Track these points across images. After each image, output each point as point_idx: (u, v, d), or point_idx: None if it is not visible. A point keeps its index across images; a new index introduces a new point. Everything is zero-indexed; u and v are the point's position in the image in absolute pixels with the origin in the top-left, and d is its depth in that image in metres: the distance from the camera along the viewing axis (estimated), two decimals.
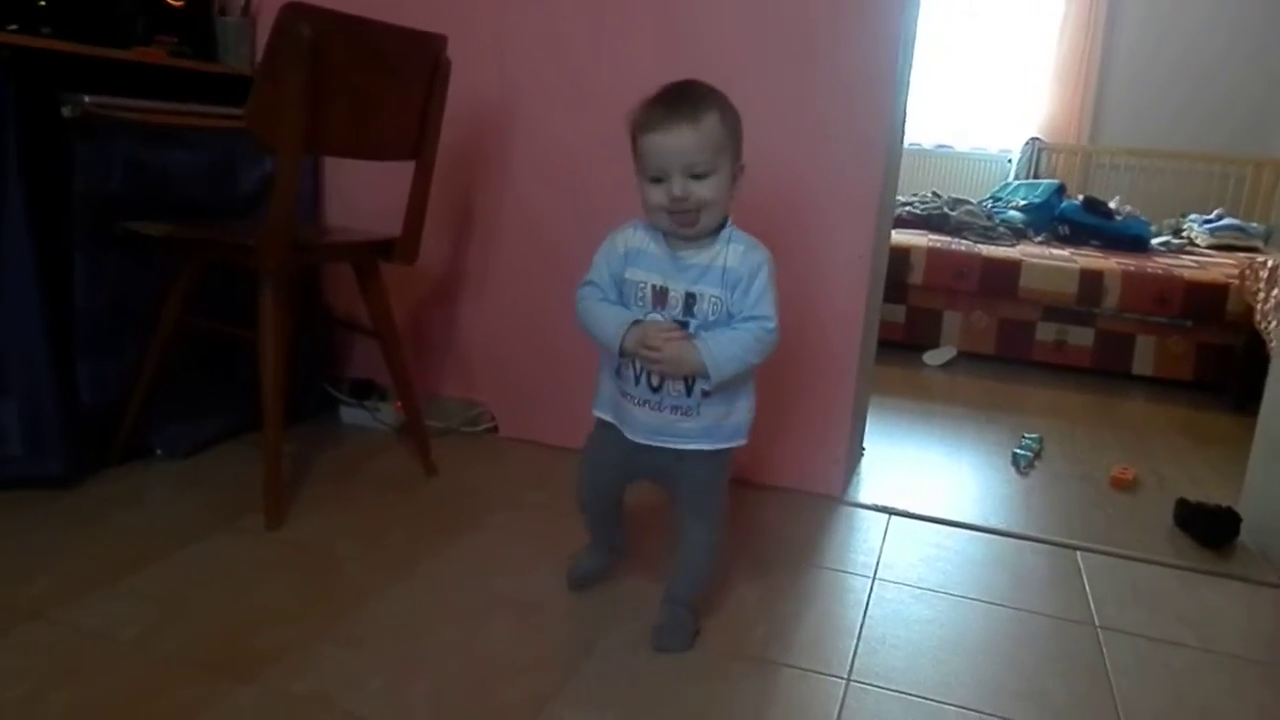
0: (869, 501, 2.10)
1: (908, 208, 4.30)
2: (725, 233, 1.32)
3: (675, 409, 1.34)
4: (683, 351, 1.27)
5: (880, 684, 1.39)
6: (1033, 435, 2.64)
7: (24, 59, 1.66)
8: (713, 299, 1.30)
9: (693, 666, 1.39)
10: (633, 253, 1.34)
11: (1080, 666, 1.48)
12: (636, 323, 1.30)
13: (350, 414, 2.32)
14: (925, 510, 2.07)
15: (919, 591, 1.71)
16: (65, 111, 1.71)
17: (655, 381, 1.33)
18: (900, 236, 3.83)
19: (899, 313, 3.75)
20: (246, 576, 1.55)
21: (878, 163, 2.00)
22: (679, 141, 1.24)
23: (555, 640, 1.45)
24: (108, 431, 1.90)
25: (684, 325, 1.31)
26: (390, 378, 2.04)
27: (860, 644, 1.50)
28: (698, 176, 1.25)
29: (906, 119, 2.25)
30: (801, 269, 2.04)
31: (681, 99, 1.26)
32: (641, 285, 1.32)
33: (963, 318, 3.70)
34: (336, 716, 1.20)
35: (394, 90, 1.75)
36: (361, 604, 1.49)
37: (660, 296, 1.32)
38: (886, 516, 2.04)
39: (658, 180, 1.27)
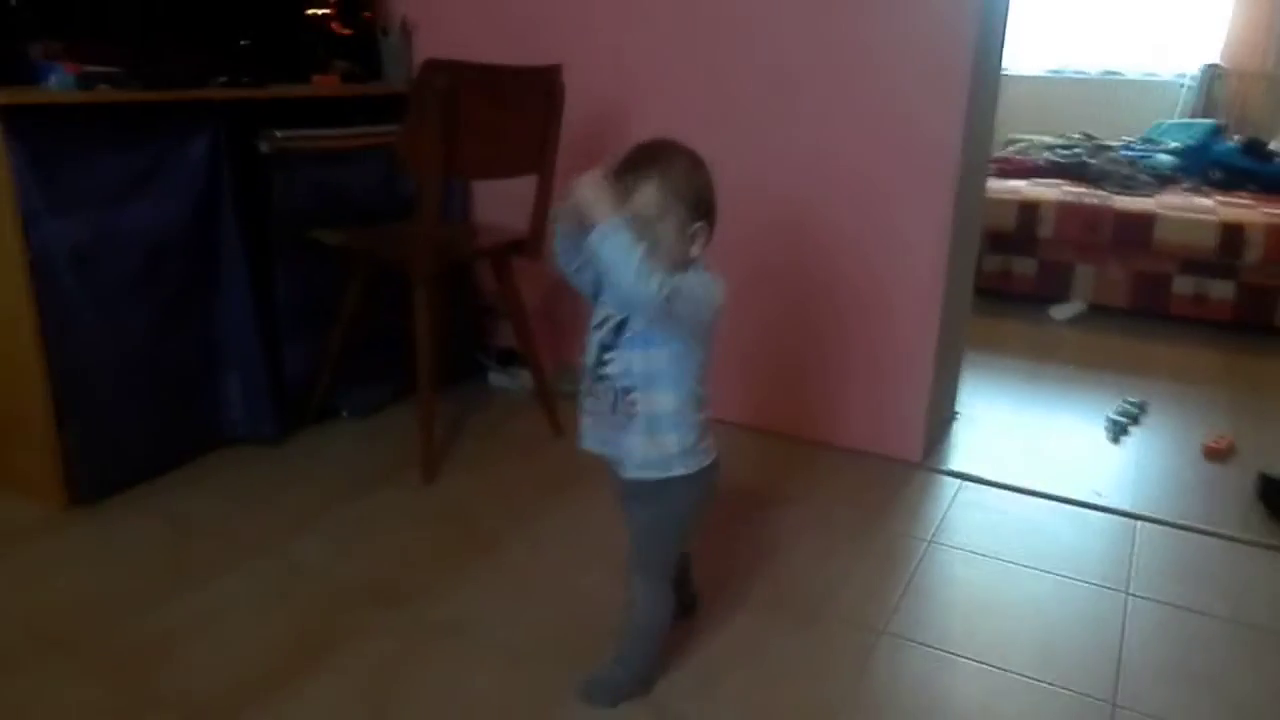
0: (945, 467, 2.30)
1: (1048, 154, 4.25)
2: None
3: (609, 424, 1.36)
4: (595, 192, 1.23)
5: (910, 638, 1.64)
6: (1134, 400, 2.72)
7: (230, 108, 2.09)
8: (639, 326, 1.31)
9: (734, 610, 1.69)
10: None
11: (1097, 629, 1.68)
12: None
13: (496, 378, 2.73)
14: (999, 477, 2.25)
15: (969, 555, 1.93)
16: (263, 148, 2.13)
17: (592, 402, 1.38)
18: (1031, 189, 3.84)
19: (1029, 265, 3.79)
20: (405, 524, 1.97)
21: (955, 94, 2.03)
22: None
23: None
24: (304, 398, 2.37)
25: (609, 348, 1.33)
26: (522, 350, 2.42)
27: (901, 602, 1.75)
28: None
29: (1004, 42, 2.26)
30: (870, 229, 2.21)
31: (625, 170, 1.28)
32: (602, 308, 1.36)
33: (1096, 271, 3.69)
34: (464, 640, 1.59)
35: (516, 120, 2.07)
36: (491, 550, 1.88)
37: (603, 321, 1.35)
38: (959, 482, 2.24)
39: None
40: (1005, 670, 1.56)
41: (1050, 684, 1.52)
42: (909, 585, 1.81)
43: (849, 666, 1.56)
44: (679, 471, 1.35)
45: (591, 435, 1.41)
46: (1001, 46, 2.33)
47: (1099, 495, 2.17)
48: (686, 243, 1.31)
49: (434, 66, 1.88)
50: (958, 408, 2.65)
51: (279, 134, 2.15)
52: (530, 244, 2.26)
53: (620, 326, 1.33)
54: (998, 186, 3.82)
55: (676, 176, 1.29)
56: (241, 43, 2.43)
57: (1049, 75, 5.60)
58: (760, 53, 2.27)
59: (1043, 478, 2.25)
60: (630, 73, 2.43)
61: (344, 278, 2.28)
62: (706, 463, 1.39)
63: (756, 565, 1.85)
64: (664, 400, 1.33)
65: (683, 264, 1.31)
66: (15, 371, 1.87)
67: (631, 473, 1.36)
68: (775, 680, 1.52)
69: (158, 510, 1.98)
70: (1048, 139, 4.64)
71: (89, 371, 1.91)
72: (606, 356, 1.34)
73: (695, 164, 1.33)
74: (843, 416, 2.38)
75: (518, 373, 2.68)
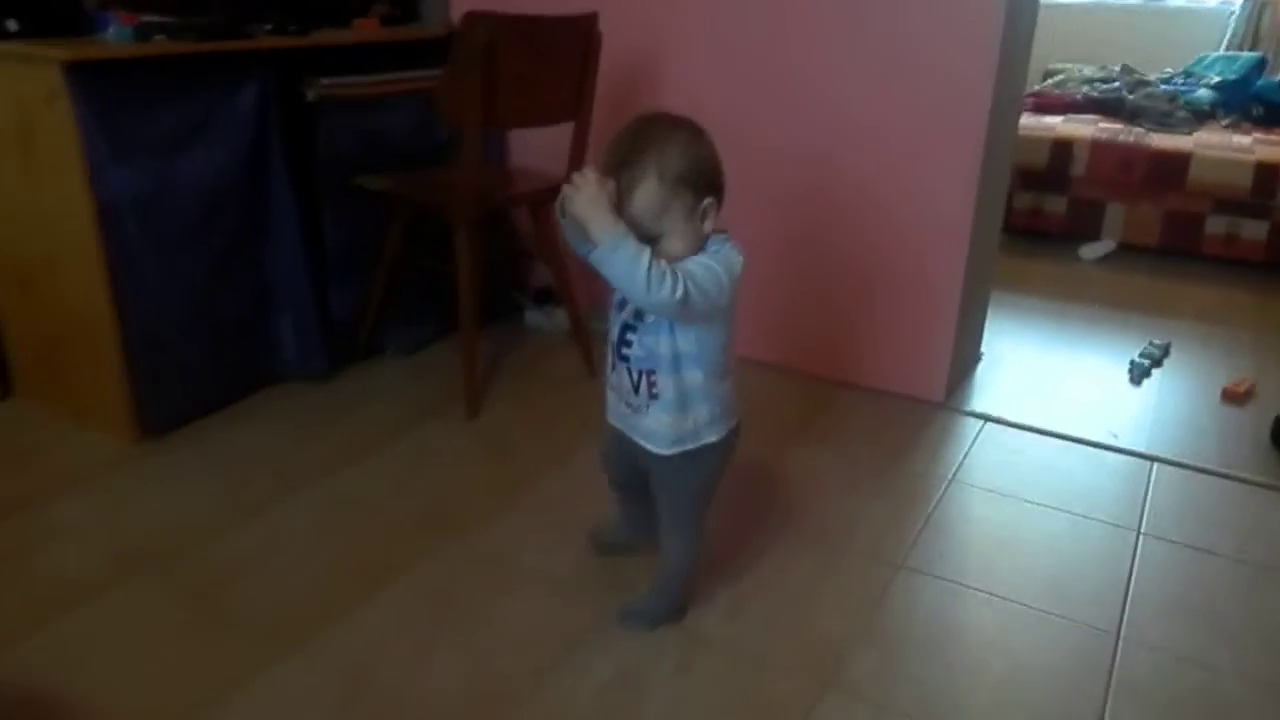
0: (967, 408, 2.38)
1: (1086, 88, 4.20)
2: (696, 256, 1.30)
3: (628, 404, 1.41)
4: (590, 208, 1.21)
5: (927, 571, 1.75)
6: (1160, 342, 2.76)
7: (277, 57, 2.15)
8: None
9: (760, 545, 1.80)
10: None
11: (1108, 566, 1.77)
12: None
13: (533, 317, 2.82)
14: (1020, 418, 2.33)
15: (987, 494, 2.02)
16: (309, 95, 2.20)
17: (616, 378, 1.42)
18: (1065, 126, 3.81)
19: (1060, 204, 3.79)
20: (450, 457, 2.09)
21: (988, 32, 2.06)
22: (622, 216, 1.23)
23: None
24: (351, 337, 2.48)
25: (631, 328, 1.35)
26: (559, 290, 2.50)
27: (920, 537, 1.85)
28: (650, 239, 1.25)
29: None
30: (898, 170, 2.25)
31: (618, 165, 1.25)
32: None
33: (1127, 210, 3.69)
34: (508, 569, 1.71)
35: (553, 70, 2.11)
36: (533, 482, 1.99)
37: (622, 303, 1.38)
38: (981, 423, 2.32)
39: None
40: (1016, 602, 1.66)
41: (1058, 615, 1.63)
42: (928, 521, 1.90)
43: (867, 598, 1.67)
44: (709, 439, 1.41)
45: (615, 411, 1.47)
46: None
47: (1115, 436, 2.24)
48: (698, 222, 1.28)
49: (474, 19, 1.93)
50: (983, 349, 2.71)
51: (323, 81, 2.22)
52: None
53: (638, 310, 1.34)
54: (1031, 123, 3.80)
55: (673, 160, 1.23)
56: None
57: (1091, 3, 5.47)
58: (788, 22, 2.29)
59: (1063, 419, 2.32)
60: (659, 22, 2.46)
61: (387, 221, 2.37)
62: (732, 425, 1.45)
63: (781, 500, 1.96)
64: (691, 378, 1.36)
65: (699, 243, 1.30)
66: (88, 315, 1.98)
67: (662, 450, 1.40)
68: (797, 609, 1.63)
69: (219, 443, 2.11)
70: (1087, 70, 4.57)
71: (153, 313, 2.02)
72: (629, 337, 1.36)
73: (691, 138, 1.27)
74: (868, 357, 2.45)
75: (553, 312, 2.77)
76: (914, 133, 2.23)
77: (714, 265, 1.27)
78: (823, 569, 1.75)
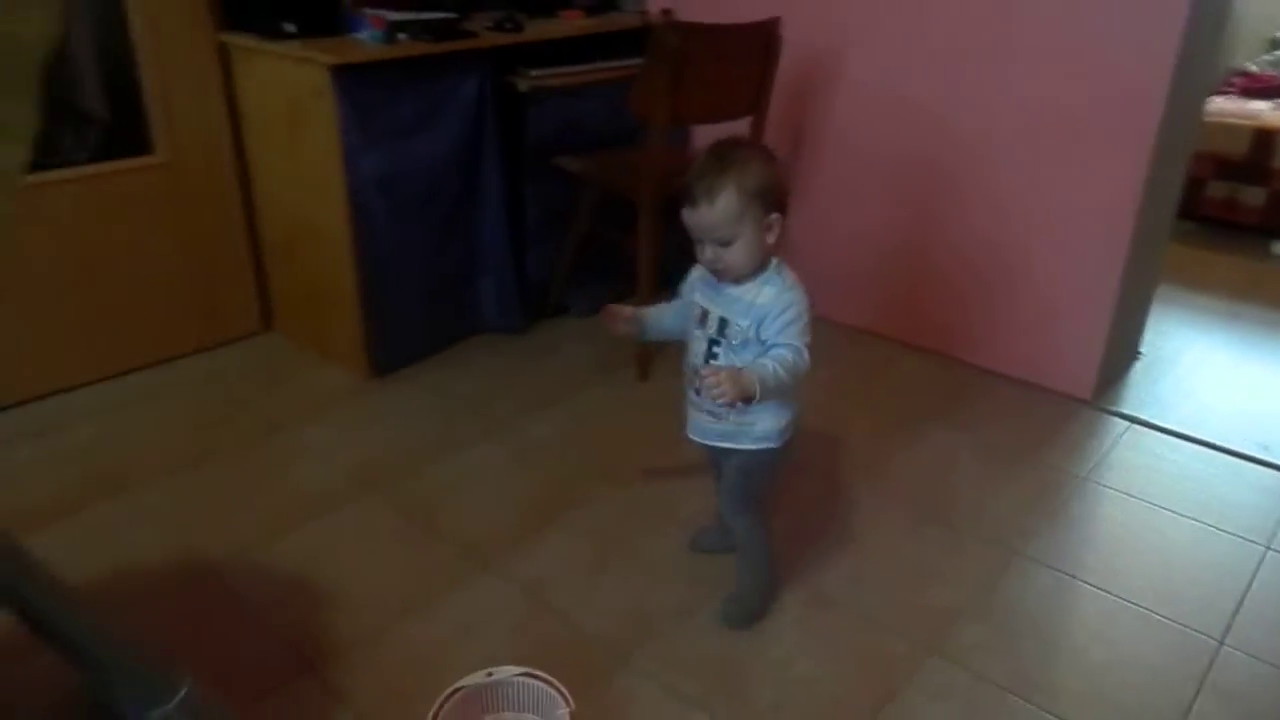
0: (1115, 408, 2.45)
1: None
2: (764, 275, 1.48)
3: (709, 413, 1.58)
4: (735, 375, 1.42)
5: (1044, 561, 1.90)
6: None
7: (496, 53, 2.45)
8: (738, 327, 1.48)
9: (889, 519, 1.99)
10: (697, 281, 1.57)
11: (1226, 576, 1.86)
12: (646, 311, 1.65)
13: None
14: (1168, 423, 2.38)
15: (1119, 495, 2.12)
16: (520, 86, 2.50)
17: (695, 389, 1.57)
18: (1271, 114, 3.64)
19: (1258, 195, 3.63)
20: (622, 412, 2.39)
21: (1168, 23, 2.07)
22: (700, 220, 1.44)
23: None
24: (543, 297, 2.81)
25: (716, 343, 1.52)
26: None
27: (1043, 529, 1.99)
28: (724, 243, 1.44)
29: None
30: (1060, 159, 2.30)
31: (701, 178, 1.43)
32: (695, 306, 1.56)
33: None
34: (663, 517, 1.99)
35: (737, 73, 2.32)
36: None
37: (703, 317, 1.53)
38: (1126, 424, 2.39)
39: (699, 240, 1.47)
40: (1126, 600, 1.79)
41: (1164, 617, 1.75)
42: (1054, 516, 2.04)
43: (983, 578, 1.84)
44: (776, 445, 1.58)
45: (696, 427, 1.63)
46: None
47: (1265, 449, 2.27)
48: (764, 233, 1.45)
49: (670, 26, 2.16)
50: (1143, 347, 2.74)
51: (533, 73, 2.51)
52: None
53: (723, 323, 1.49)
54: (1233, 109, 3.65)
55: (750, 177, 1.41)
56: None
57: None
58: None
59: (1214, 428, 2.36)
60: (833, 22, 2.60)
61: (580, 197, 2.66)
62: (794, 431, 1.61)
63: (913, 479, 2.14)
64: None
65: (765, 254, 1.47)
66: (336, 272, 2.39)
67: (723, 442, 1.59)
68: (914, 580, 1.83)
69: (432, 385, 2.50)
70: None
71: (386, 272, 2.41)
72: (715, 350, 1.51)
73: (765, 160, 1.46)
74: (1013, 346, 2.54)
75: None
76: (1079, 115, 2.27)
77: (801, 310, 1.47)
78: (945, 547, 1.93)
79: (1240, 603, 1.79)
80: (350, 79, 2.18)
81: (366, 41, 2.28)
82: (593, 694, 1.50)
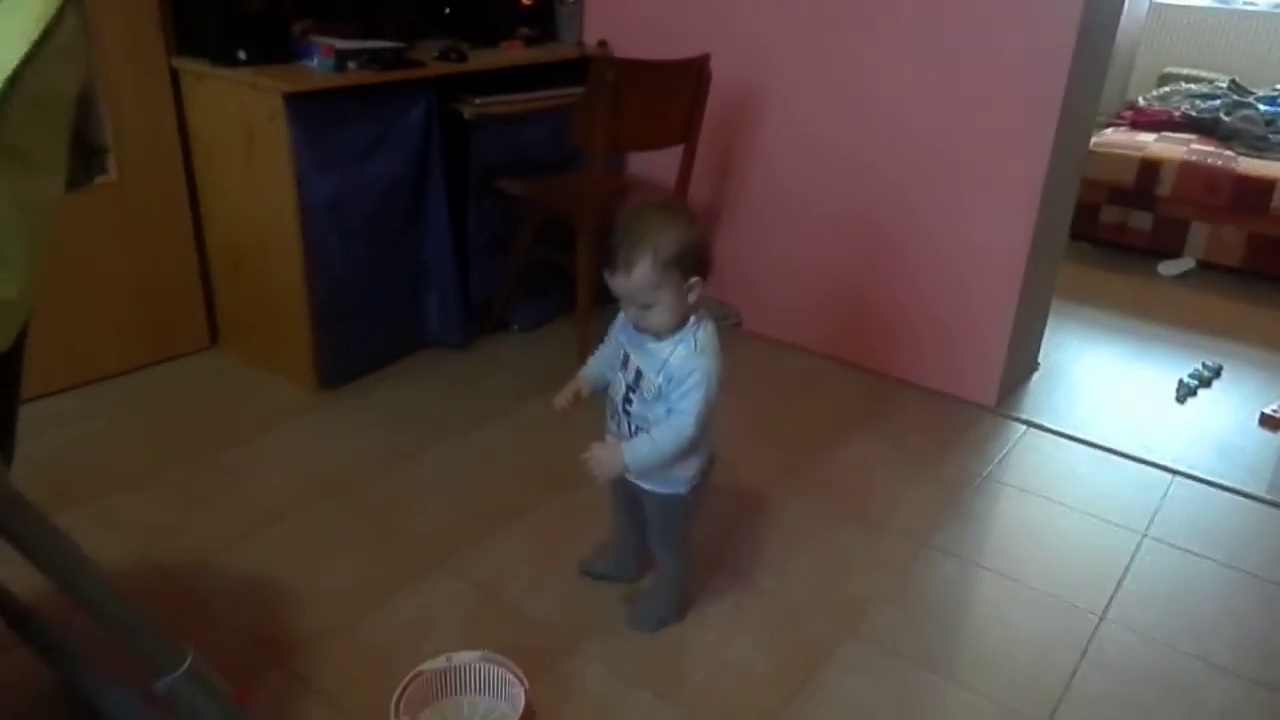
0: (1014, 414, 2.69)
1: (1186, 105, 4.31)
2: (680, 334, 1.53)
3: (619, 440, 1.63)
4: (610, 456, 1.56)
5: (948, 550, 2.10)
6: (1212, 364, 2.98)
7: (441, 82, 2.59)
8: (651, 381, 1.54)
9: (811, 515, 2.18)
10: (625, 323, 1.61)
11: (1108, 560, 2.08)
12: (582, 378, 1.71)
13: None
14: (1061, 427, 2.62)
15: (1015, 490, 2.34)
16: (465, 114, 2.63)
17: (615, 425, 1.67)
18: (1155, 146, 3.98)
19: (1145, 220, 3.97)
20: (562, 423, 2.50)
21: (1059, 53, 2.30)
22: (619, 286, 1.49)
23: (744, 481, 2.30)
24: (485, 313, 2.94)
25: (632, 389, 1.58)
26: None
27: (948, 522, 2.20)
28: (645, 306, 1.49)
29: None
30: (965, 186, 2.53)
31: (619, 246, 1.46)
32: (620, 347, 1.62)
33: (1211, 229, 3.85)
34: (605, 520, 2.14)
35: (669, 104, 2.50)
36: None
37: (625, 361, 1.60)
38: (1024, 428, 2.63)
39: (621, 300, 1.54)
40: (1019, 581, 2.00)
41: (1052, 594, 1.96)
42: (957, 510, 2.25)
43: (895, 567, 2.03)
44: (684, 490, 1.66)
45: None
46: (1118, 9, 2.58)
47: (1146, 450, 2.52)
48: (684, 294, 1.49)
49: (605, 62, 2.32)
50: (1040, 359, 2.99)
51: (477, 101, 2.65)
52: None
53: (639, 374, 1.56)
54: (1123, 140, 3.98)
55: (667, 245, 1.44)
56: (446, 10, 2.93)
57: (1213, 6, 5.47)
58: (869, 43, 2.60)
59: (1101, 431, 2.61)
60: (756, 60, 2.80)
61: (521, 219, 2.80)
62: (704, 478, 1.69)
63: (834, 479, 2.33)
64: None
65: (686, 313, 1.53)
66: (287, 290, 2.49)
67: (652, 487, 1.66)
68: (834, 570, 2.01)
69: (380, 397, 2.60)
70: (1193, 86, 4.65)
71: (335, 289, 2.51)
72: (631, 396, 1.59)
73: (684, 225, 1.48)
74: (926, 358, 2.77)
75: None
76: (980, 153, 2.51)
77: (708, 374, 1.52)
78: (861, 540, 2.12)
79: (1119, 583, 2.02)
80: (302, 105, 2.29)
81: (316, 69, 2.39)
82: (544, 676, 1.64)
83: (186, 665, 1.07)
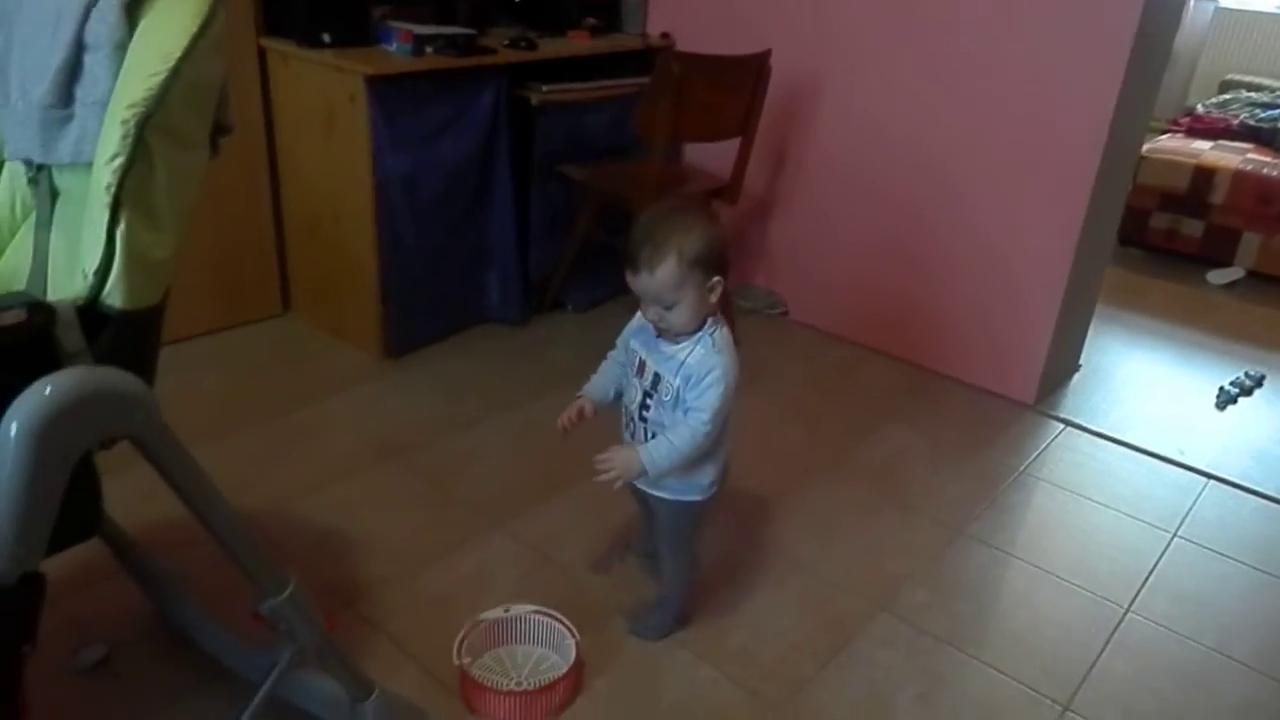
0: (1053, 412, 2.75)
1: (1243, 115, 4.29)
2: (698, 335, 1.53)
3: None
4: (626, 458, 1.55)
5: (982, 539, 2.18)
6: (1255, 373, 3.01)
7: (511, 69, 2.70)
8: (669, 384, 1.54)
9: (853, 498, 2.27)
10: (639, 329, 1.63)
11: (1137, 556, 2.15)
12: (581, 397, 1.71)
13: None
14: (1100, 427, 2.68)
15: (1050, 486, 2.41)
16: (533, 100, 2.74)
17: (630, 434, 1.67)
18: (1210, 154, 3.97)
19: (1197, 227, 3.97)
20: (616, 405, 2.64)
21: (1114, 59, 2.34)
22: (642, 286, 1.48)
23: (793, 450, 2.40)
24: (542, 292, 3.06)
25: (650, 395, 1.58)
26: None
27: (983, 512, 2.28)
28: (667, 307, 1.49)
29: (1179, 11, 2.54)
30: (1013, 185, 2.59)
31: (641, 248, 1.46)
32: (635, 354, 1.62)
33: (1262, 240, 3.84)
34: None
35: (730, 98, 2.59)
36: None
37: (640, 368, 1.59)
38: (1062, 427, 2.69)
39: (643, 300, 1.53)
40: (1048, 572, 2.08)
41: (1081, 585, 2.04)
42: (993, 502, 2.32)
43: (930, 551, 2.12)
44: (693, 498, 1.65)
45: None
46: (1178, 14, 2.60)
47: (1182, 453, 2.57)
48: (706, 294, 1.50)
49: (671, 55, 2.42)
50: (1082, 360, 3.04)
51: (544, 88, 2.76)
52: (730, 190, 2.82)
53: (657, 378, 1.56)
54: (1178, 147, 3.98)
55: (691, 245, 1.45)
56: (515, 1, 3.04)
57: (1278, 12, 5.41)
58: (930, 37, 2.66)
59: (1139, 433, 2.66)
60: (815, 54, 2.88)
61: (581, 202, 2.91)
62: (713, 492, 1.67)
63: (873, 466, 2.41)
64: None
65: (705, 314, 1.53)
66: (357, 259, 2.62)
67: (651, 490, 1.66)
68: (872, 550, 2.10)
69: (440, 367, 2.74)
70: (1255, 95, 4.63)
71: (403, 262, 2.65)
72: (649, 403, 1.59)
73: (706, 226, 1.49)
74: (967, 354, 2.84)
75: None
76: (1034, 152, 2.56)
77: (726, 371, 1.52)
78: (898, 525, 2.21)
79: (1146, 579, 2.08)
80: (382, 87, 2.42)
81: (395, 53, 2.51)
82: (591, 633, 1.75)
83: (290, 591, 1.19)
